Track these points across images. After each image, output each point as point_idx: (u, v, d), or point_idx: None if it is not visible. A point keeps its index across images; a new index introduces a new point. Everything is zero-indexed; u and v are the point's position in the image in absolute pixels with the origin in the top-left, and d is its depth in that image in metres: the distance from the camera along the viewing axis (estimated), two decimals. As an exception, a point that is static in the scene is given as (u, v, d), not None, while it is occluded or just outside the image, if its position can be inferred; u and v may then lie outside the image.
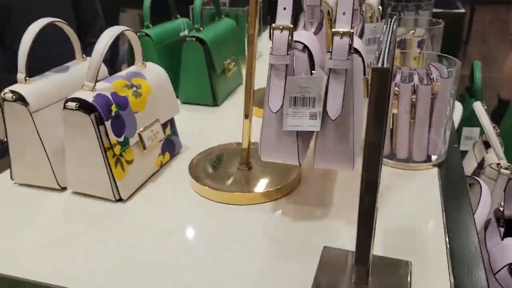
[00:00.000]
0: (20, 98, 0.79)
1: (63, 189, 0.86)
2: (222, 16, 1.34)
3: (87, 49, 1.82)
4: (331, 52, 0.63)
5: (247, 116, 0.84)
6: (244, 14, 1.51)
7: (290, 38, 0.65)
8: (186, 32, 1.33)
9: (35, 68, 0.82)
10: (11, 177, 0.88)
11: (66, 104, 0.76)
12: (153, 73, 0.91)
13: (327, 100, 0.65)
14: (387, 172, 0.89)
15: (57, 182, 0.84)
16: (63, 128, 0.78)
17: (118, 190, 0.81)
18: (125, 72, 0.87)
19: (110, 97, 0.78)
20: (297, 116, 0.66)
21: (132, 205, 0.81)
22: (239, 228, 0.75)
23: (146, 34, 1.20)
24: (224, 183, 0.84)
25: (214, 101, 1.23)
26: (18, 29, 1.62)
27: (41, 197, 0.84)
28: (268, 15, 1.97)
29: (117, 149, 0.78)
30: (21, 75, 0.81)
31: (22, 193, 0.85)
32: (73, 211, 0.80)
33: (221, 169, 0.90)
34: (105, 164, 0.78)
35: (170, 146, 0.94)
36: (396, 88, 0.86)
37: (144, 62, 0.90)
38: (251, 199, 0.81)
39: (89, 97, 0.76)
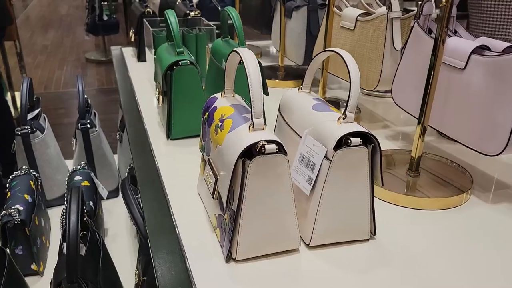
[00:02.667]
0: (281, 148, 0.63)
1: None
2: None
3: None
4: None
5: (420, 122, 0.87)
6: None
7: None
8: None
9: None
10: (228, 257, 0.67)
11: (350, 140, 0.65)
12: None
13: None
14: None
15: (302, 238, 0.70)
16: (348, 172, 0.67)
17: (374, 224, 0.73)
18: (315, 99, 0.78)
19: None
20: None
21: (383, 236, 0.75)
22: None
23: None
24: (406, 188, 0.86)
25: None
26: None
27: (286, 263, 0.69)
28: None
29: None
30: (259, 120, 0.64)
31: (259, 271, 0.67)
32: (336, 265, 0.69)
33: (388, 173, 0.91)
34: (370, 199, 0.71)
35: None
36: None
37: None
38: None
39: (359, 128, 0.67)
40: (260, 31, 1.73)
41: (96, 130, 1.50)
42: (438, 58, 0.83)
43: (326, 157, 0.67)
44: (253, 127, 0.64)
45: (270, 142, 0.62)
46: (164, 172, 0.94)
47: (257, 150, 0.62)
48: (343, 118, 0.68)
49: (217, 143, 0.71)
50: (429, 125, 0.94)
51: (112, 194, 1.55)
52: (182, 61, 1.02)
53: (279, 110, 0.85)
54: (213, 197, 0.72)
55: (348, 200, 0.70)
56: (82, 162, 1.39)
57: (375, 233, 0.74)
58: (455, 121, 0.88)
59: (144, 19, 1.46)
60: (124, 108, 1.33)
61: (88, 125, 1.46)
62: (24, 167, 1.34)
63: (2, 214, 1.14)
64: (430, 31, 0.98)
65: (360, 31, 1.13)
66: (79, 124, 1.47)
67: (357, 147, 0.66)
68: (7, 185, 1.29)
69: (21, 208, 1.17)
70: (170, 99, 1.04)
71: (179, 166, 0.97)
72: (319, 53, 0.76)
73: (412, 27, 0.99)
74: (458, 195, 0.85)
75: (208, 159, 0.76)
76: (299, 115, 0.77)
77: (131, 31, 1.80)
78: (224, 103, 0.76)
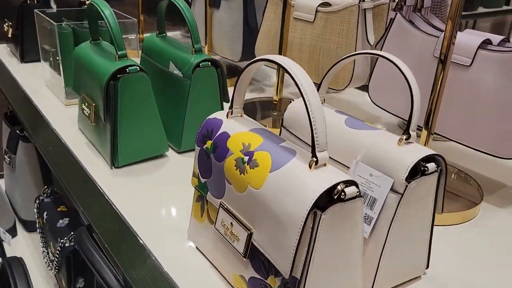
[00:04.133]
0: (359, 190, 0.47)
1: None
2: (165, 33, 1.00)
3: None
4: None
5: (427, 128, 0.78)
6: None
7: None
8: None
9: None
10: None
11: (426, 167, 0.52)
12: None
13: None
14: None
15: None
16: (417, 205, 0.53)
17: (428, 262, 0.62)
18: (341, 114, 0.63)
19: (414, 144, 0.58)
20: None
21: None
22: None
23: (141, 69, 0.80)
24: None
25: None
26: None
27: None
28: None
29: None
30: (323, 154, 0.47)
31: None
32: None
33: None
34: (430, 235, 0.59)
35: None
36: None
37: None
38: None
39: (428, 150, 0.54)
40: (171, 23, 1.50)
41: (-20, 156, 1.15)
42: (449, 57, 0.74)
43: (393, 190, 0.53)
44: (316, 163, 0.47)
45: (347, 183, 0.46)
46: (130, 218, 0.71)
47: (335, 196, 0.45)
48: (406, 139, 0.55)
49: (247, 184, 0.52)
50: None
51: (10, 234, 1.21)
52: (130, 68, 0.78)
53: (284, 127, 0.68)
54: (245, 257, 0.53)
55: (412, 237, 0.57)
56: (-29, 202, 1.05)
57: (427, 267, 0.63)
58: (461, 123, 0.81)
59: (36, 10, 1.15)
60: (28, 126, 1.02)
61: (-30, 151, 1.11)
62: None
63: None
64: (410, 23, 0.89)
65: (323, 24, 1.00)
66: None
67: (431, 175, 0.53)
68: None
69: None
70: (115, 116, 0.80)
71: (143, 205, 0.74)
72: (358, 53, 0.61)
73: (392, 19, 0.89)
74: (475, 205, 0.78)
75: (221, 202, 0.57)
76: (327, 134, 0.61)
77: (6, 24, 1.44)
78: (238, 127, 0.57)
